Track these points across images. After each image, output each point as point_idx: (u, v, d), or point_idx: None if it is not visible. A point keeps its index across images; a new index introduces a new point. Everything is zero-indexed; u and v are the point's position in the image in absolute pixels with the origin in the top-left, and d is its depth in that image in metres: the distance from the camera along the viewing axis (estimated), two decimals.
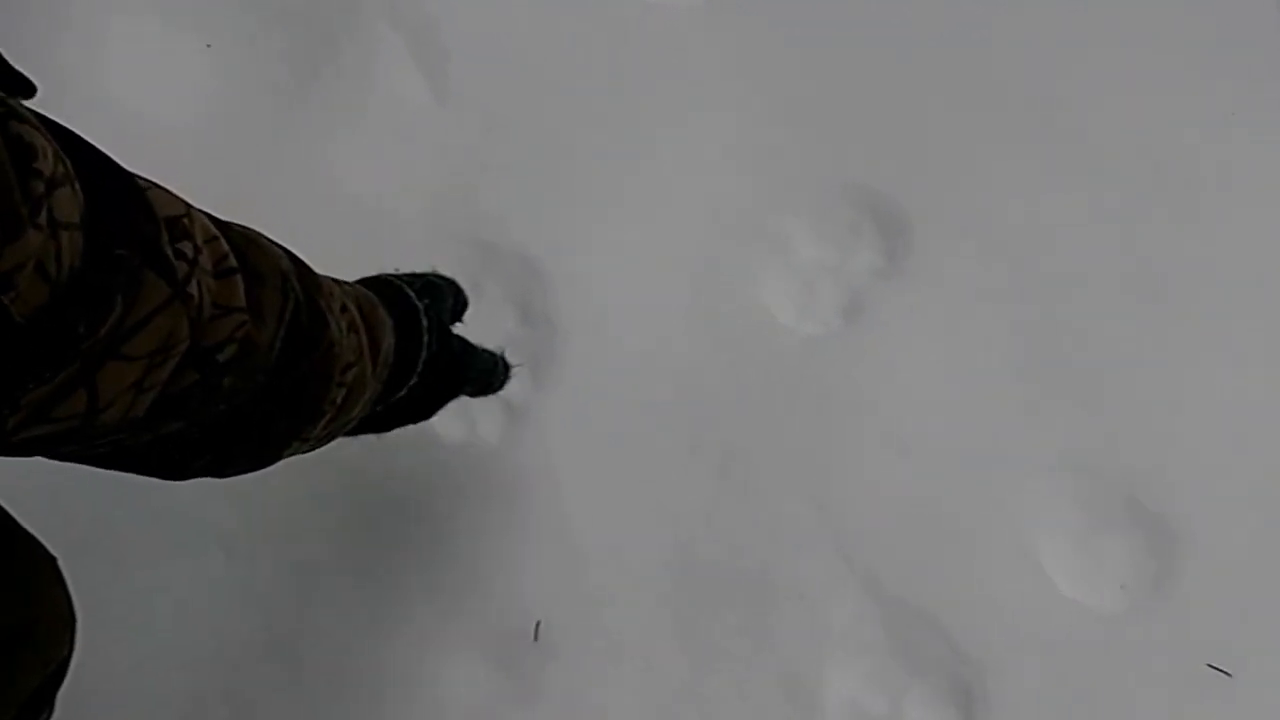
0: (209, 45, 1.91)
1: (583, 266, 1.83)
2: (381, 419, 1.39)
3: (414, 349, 1.32)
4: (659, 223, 1.83)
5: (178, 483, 1.75)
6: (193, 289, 0.82)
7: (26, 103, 0.70)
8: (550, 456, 1.79)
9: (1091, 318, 1.78)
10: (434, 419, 1.75)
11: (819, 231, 1.80)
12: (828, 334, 1.80)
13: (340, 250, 1.82)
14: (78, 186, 0.70)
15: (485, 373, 1.50)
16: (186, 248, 0.83)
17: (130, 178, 0.82)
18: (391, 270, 1.45)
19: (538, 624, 1.75)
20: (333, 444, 1.77)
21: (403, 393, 1.35)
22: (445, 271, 1.52)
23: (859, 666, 1.72)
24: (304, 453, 1.23)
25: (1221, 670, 1.70)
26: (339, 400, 1.13)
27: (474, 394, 1.53)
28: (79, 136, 0.76)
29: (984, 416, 1.77)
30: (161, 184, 0.88)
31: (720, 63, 1.85)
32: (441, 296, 1.44)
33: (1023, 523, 1.75)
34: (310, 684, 1.74)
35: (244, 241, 0.97)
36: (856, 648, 1.73)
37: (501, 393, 1.77)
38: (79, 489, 1.76)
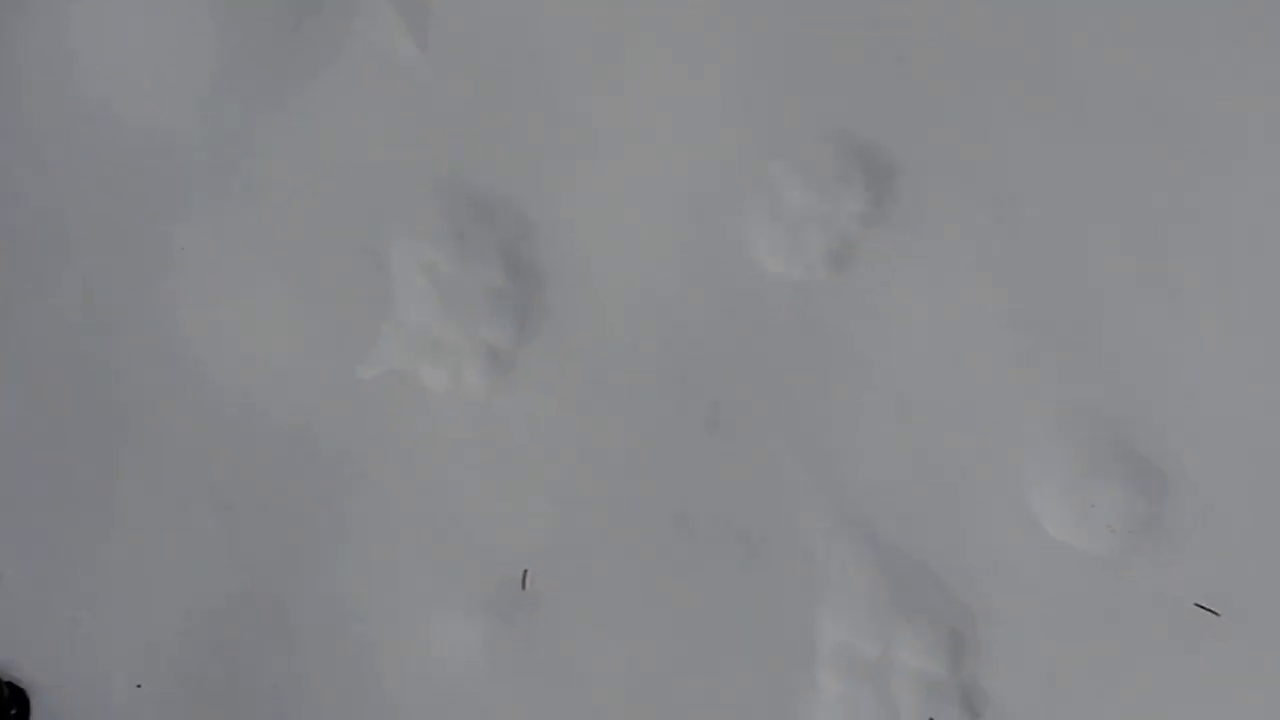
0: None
1: (569, 217, 1.82)
2: None
3: None
4: (646, 173, 1.81)
5: (168, 441, 1.76)
6: None
7: None
8: (538, 406, 1.79)
9: (1083, 266, 1.77)
10: (420, 366, 1.76)
11: (807, 179, 1.78)
12: (816, 281, 1.79)
13: (327, 203, 1.83)
14: None
15: None
16: None
17: None
18: None
19: (525, 573, 1.76)
20: (319, 396, 1.78)
21: None
22: None
23: (851, 612, 1.73)
24: None
25: (1210, 610, 1.70)
26: None
27: None
28: None
29: (974, 363, 1.76)
30: None
31: (707, 10, 1.82)
32: None
33: (1013, 468, 1.75)
34: (300, 636, 1.75)
35: None
36: (848, 594, 1.73)
37: (488, 340, 1.78)
38: (72, 445, 1.77)
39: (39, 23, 1.83)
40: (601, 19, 1.83)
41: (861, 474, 1.75)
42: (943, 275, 1.78)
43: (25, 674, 1.74)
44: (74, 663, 1.75)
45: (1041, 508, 1.74)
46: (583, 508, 1.77)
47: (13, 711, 1.71)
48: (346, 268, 1.81)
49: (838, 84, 1.83)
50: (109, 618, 1.75)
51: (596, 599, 1.74)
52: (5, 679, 1.72)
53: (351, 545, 1.76)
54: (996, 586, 1.73)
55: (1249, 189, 1.79)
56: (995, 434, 1.75)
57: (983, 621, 1.72)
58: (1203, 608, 1.70)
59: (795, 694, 1.71)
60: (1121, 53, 1.81)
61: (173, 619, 1.75)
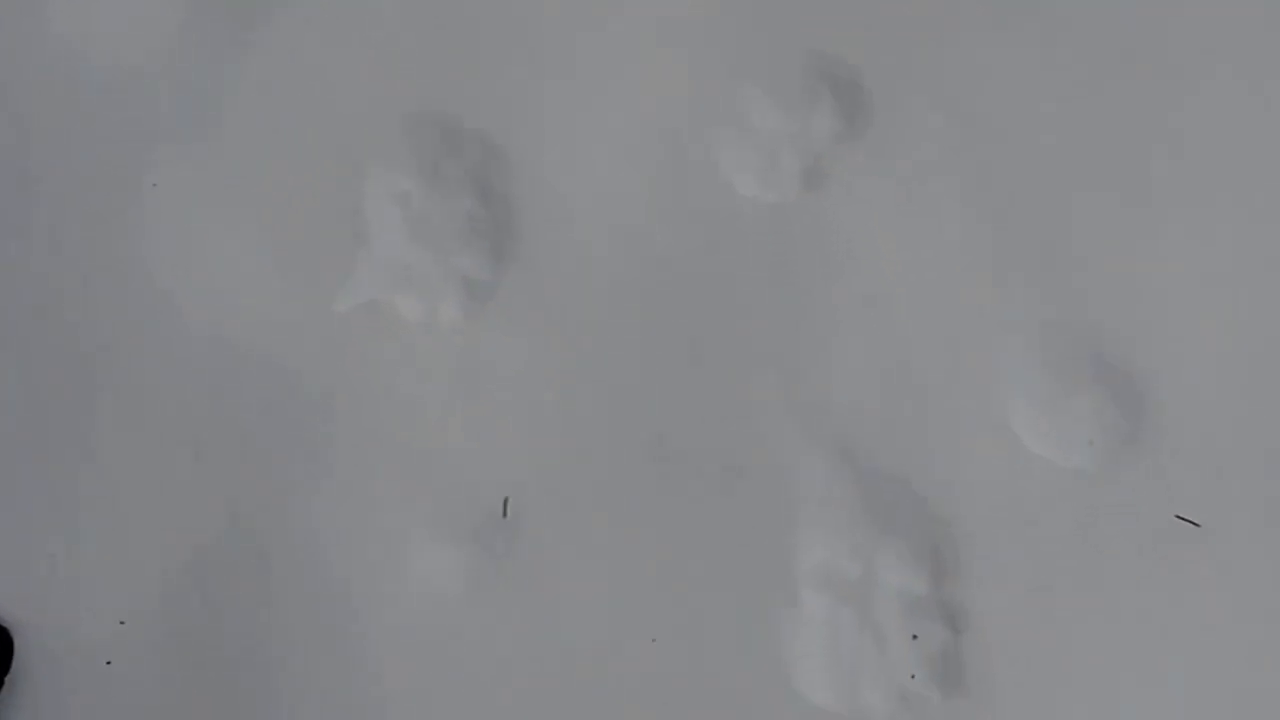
0: None
1: (541, 146, 1.81)
2: None
3: None
4: (617, 99, 1.81)
5: (151, 382, 1.75)
6: None
7: None
8: (514, 335, 1.79)
9: (1058, 181, 1.77)
10: (395, 298, 1.75)
11: (777, 100, 1.78)
12: (790, 202, 1.78)
13: (298, 137, 1.82)
14: None
15: None
16: None
17: None
18: None
19: (506, 500, 1.75)
20: (295, 331, 1.77)
21: None
22: None
23: (831, 532, 1.73)
24: None
25: (1190, 521, 1.70)
26: None
27: None
28: None
29: (951, 280, 1.76)
30: None
31: None
32: None
33: (991, 384, 1.75)
34: (280, 571, 1.74)
35: None
36: (828, 514, 1.73)
37: (463, 270, 1.77)
38: (47, 386, 1.76)
39: None
40: None
41: (839, 394, 1.75)
42: (916, 193, 1.77)
43: (7, 613, 1.74)
44: (56, 602, 1.74)
45: (1020, 423, 1.74)
46: (561, 435, 1.76)
47: None
48: (319, 202, 1.80)
49: (804, 3, 1.82)
50: (90, 558, 1.74)
51: (577, 525, 1.74)
52: None
53: (330, 478, 1.75)
54: (976, 502, 1.72)
55: (1222, 105, 1.78)
56: (973, 351, 1.75)
57: (963, 538, 1.72)
58: (1183, 519, 1.70)
59: (776, 614, 1.71)
60: None
61: (153, 557, 1.74)
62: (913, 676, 1.69)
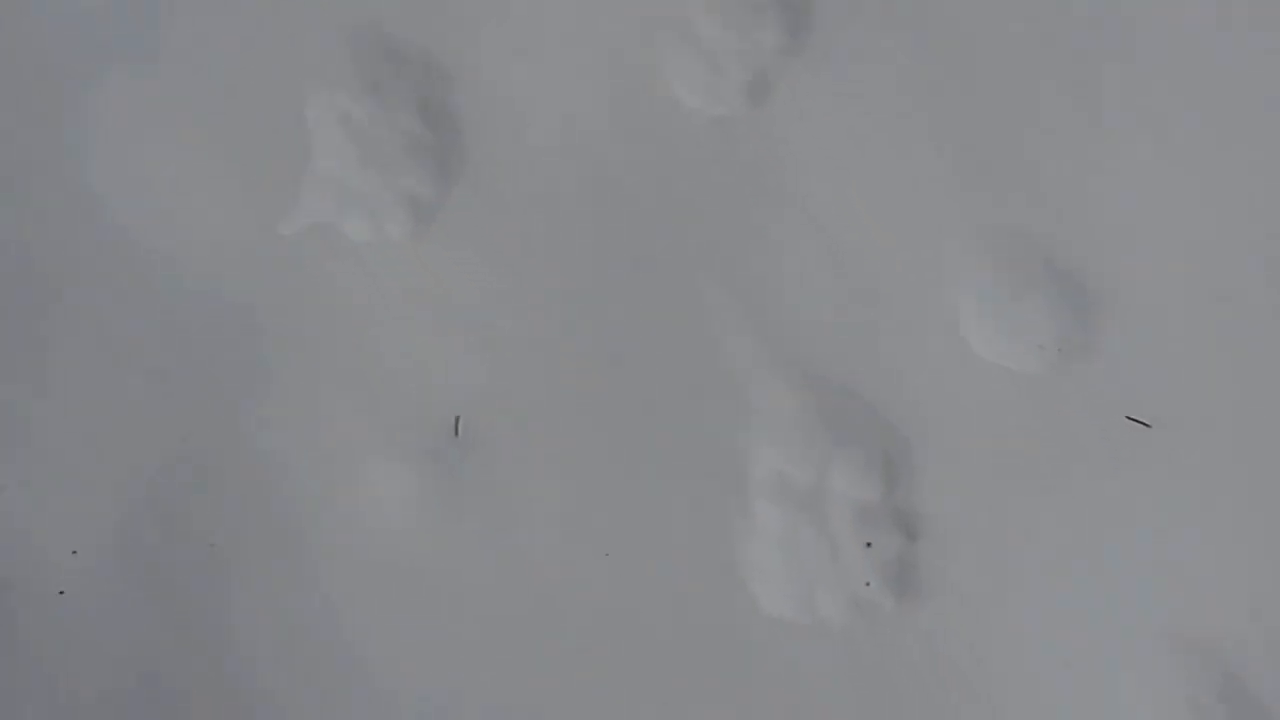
0: None
1: (484, 63, 1.80)
2: None
3: None
4: (561, 15, 1.79)
5: (101, 309, 1.74)
6: None
7: None
8: (462, 252, 1.77)
9: (1006, 84, 1.76)
10: (341, 218, 1.74)
11: (722, 14, 1.77)
12: (736, 116, 1.77)
13: (241, 61, 1.81)
14: None
15: None
16: None
17: None
18: None
19: (458, 419, 1.75)
20: (243, 254, 1.76)
21: None
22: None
23: (784, 442, 1.72)
24: None
25: (1140, 422, 1.70)
26: None
27: None
28: None
29: (899, 187, 1.76)
30: None
31: None
32: None
33: (942, 292, 1.74)
34: (233, 491, 1.73)
35: None
36: (781, 424, 1.73)
37: (408, 190, 1.76)
38: (1, 319, 1.75)
39: None
40: None
41: (789, 303, 1.74)
42: (863, 103, 1.76)
43: None
44: (7, 533, 1.73)
45: (971, 329, 1.73)
46: (512, 351, 1.75)
47: None
48: (263, 125, 1.79)
49: None
50: (41, 487, 1.73)
51: (530, 441, 1.73)
52: None
53: (281, 401, 1.74)
54: (928, 410, 1.72)
55: (1172, 11, 1.78)
56: (922, 258, 1.75)
57: (916, 445, 1.72)
58: (1134, 420, 1.70)
59: (732, 525, 1.71)
60: None
61: (106, 483, 1.73)
62: (868, 584, 1.69)
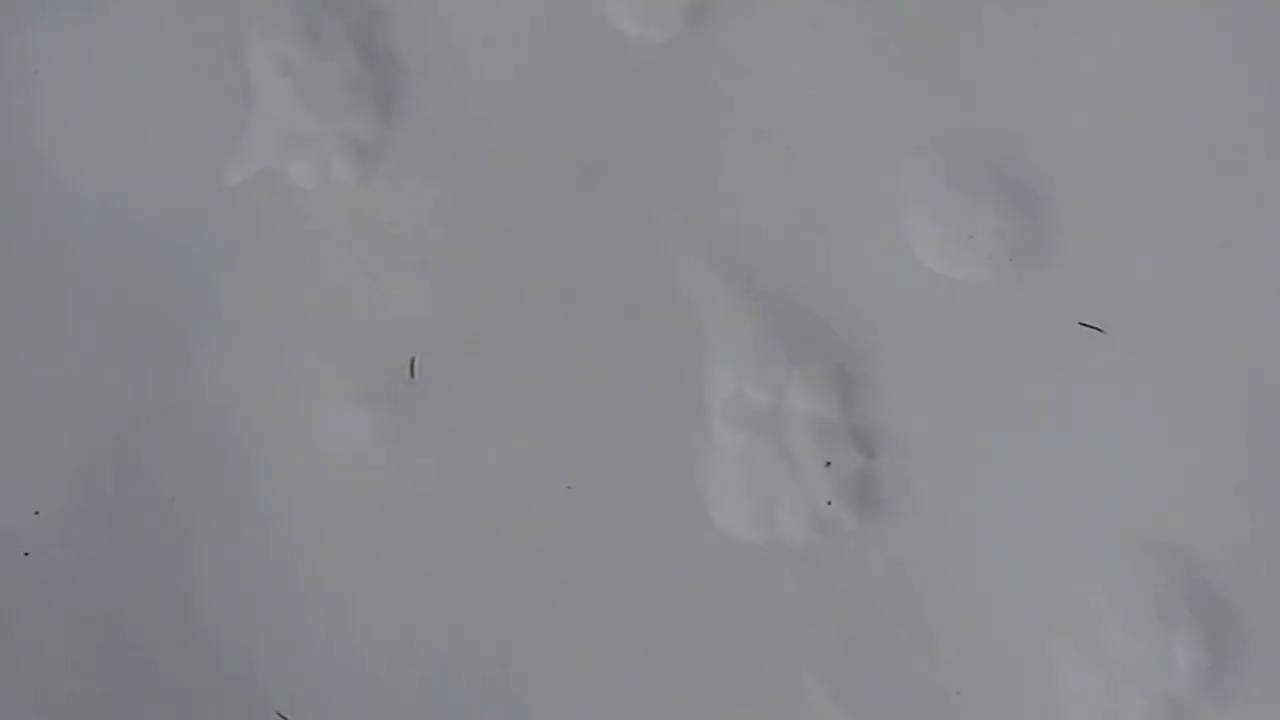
0: None
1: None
2: None
3: None
4: None
5: (45, 263, 1.73)
6: None
7: None
8: (410, 192, 1.77)
9: None
10: (286, 164, 1.73)
11: None
12: (676, 39, 1.77)
13: (178, 7, 1.80)
14: None
15: None
16: None
17: None
18: None
19: (413, 360, 1.74)
20: (190, 203, 1.76)
21: None
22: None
23: (740, 362, 1.72)
24: None
25: (1094, 327, 1.70)
26: None
27: None
28: None
29: (842, 103, 1.75)
30: None
31: None
32: None
33: (888, 204, 1.74)
34: (192, 437, 1.73)
35: None
36: (736, 344, 1.72)
37: (352, 132, 1.75)
38: None
39: None
40: None
41: (738, 222, 1.74)
42: (804, 19, 1.76)
43: None
44: None
45: (920, 241, 1.73)
46: (464, 289, 1.75)
47: None
48: (204, 74, 1.78)
49: None
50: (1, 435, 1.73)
51: (485, 378, 1.73)
52: None
53: (235, 347, 1.74)
54: (881, 324, 1.72)
55: None
56: (868, 171, 1.74)
57: (871, 360, 1.72)
58: (1087, 325, 1.70)
59: (691, 449, 1.71)
60: None
61: (61, 439, 1.73)
62: (829, 503, 1.69)
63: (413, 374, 1.74)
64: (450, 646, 1.68)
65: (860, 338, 1.72)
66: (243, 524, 1.71)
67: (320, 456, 1.72)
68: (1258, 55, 1.74)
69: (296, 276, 1.76)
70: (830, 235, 1.74)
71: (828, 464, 1.69)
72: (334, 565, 1.70)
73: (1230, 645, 1.63)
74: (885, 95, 1.75)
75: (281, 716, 1.66)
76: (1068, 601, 1.65)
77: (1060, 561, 1.66)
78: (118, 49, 1.79)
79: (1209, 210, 1.71)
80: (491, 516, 1.70)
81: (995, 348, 1.70)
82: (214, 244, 1.76)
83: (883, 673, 1.65)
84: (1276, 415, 1.67)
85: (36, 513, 1.72)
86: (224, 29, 1.79)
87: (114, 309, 1.75)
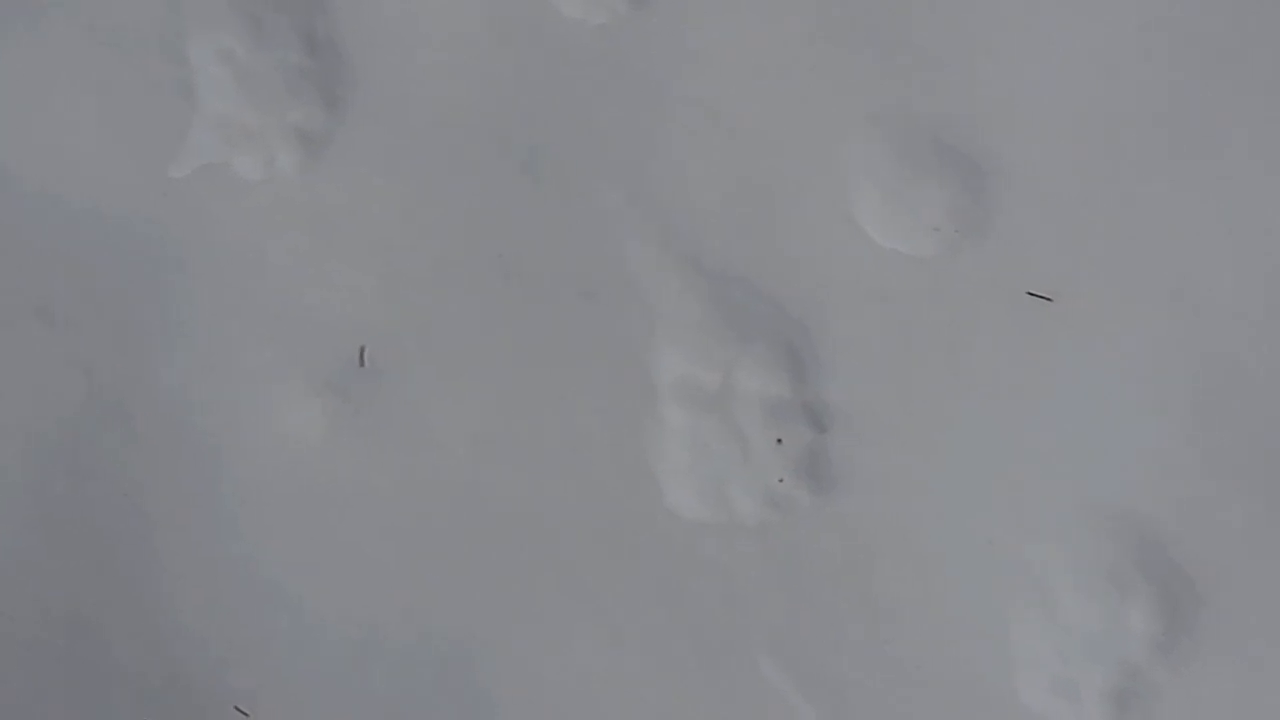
0: None
1: None
2: None
3: None
4: None
5: None
6: None
7: None
8: (355, 182, 1.77)
9: None
10: (231, 157, 1.73)
11: None
12: (619, 21, 1.77)
13: (117, 3, 1.79)
14: None
15: None
16: None
17: None
18: None
19: (363, 349, 1.74)
20: (135, 198, 1.76)
21: None
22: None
23: (688, 343, 1.72)
24: None
25: (1042, 296, 1.70)
26: None
27: None
28: None
29: (787, 80, 1.75)
30: None
31: None
32: None
33: (833, 180, 1.73)
34: (145, 434, 1.74)
35: None
36: (682, 325, 1.72)
37: (296, 123, 1.75)
38: None
39: None
40: None
41: (684, 202, 1.74)
42: None
43: None
44: None
45: (866, 216, 1.73)
46: (413, 277, 1.75)
47: None
48: (146, 67, 1.78)
49: None
50: None
51: (436, 364, 1.74)
52: None
53: (185, 338, 1.75)
54: (829, 300, 1.72)
55: None
56: (813, 148, 1.74)
57: (819, 336, 1.71)
58: (1035, 295, 1.70)
59: (642, 430, 1.71)
60: None
61: (14, 435, 1.74)
62: (781, 480, 1.69)
63: (363, 363, 1.74)
64: (411, 635, 1.68)
65: (808, 314, 1.72)
66: (200, 519, 1.71)
67: (274, 448, 1.72)
68: (1201, 28, 1.73)
69: (244, 269, 1.76)
70: (776, 213, 1.74)
71: (779, 441, 1.69)
72: (292, 557, 1.70)
73: (1184, 610, 1.63)
74: (828, 72, 1.74)
75: (240, 711, 1.66)
76: (1022, 571, 1.65)
77: (1013, 531, 1.66)
78: (60, 46, 1.78)
79: (1153, 179, 1.71)
80: (446, 502, 1.71)
81: (944, 320, 1.70)
82: (161, 239, 1.76)
83: (838, 648, 1.65)
84: (1225, 381, 1.66)
85: None
86: (165, 23, 1.79)
87: (61, 306, 1.76)
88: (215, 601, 1.70)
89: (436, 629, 1.68)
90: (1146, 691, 1.62)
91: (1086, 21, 1.75)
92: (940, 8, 1.74)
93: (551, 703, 1.67)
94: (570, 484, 1.70)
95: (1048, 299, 1.69)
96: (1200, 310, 1.68)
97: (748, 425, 1.70)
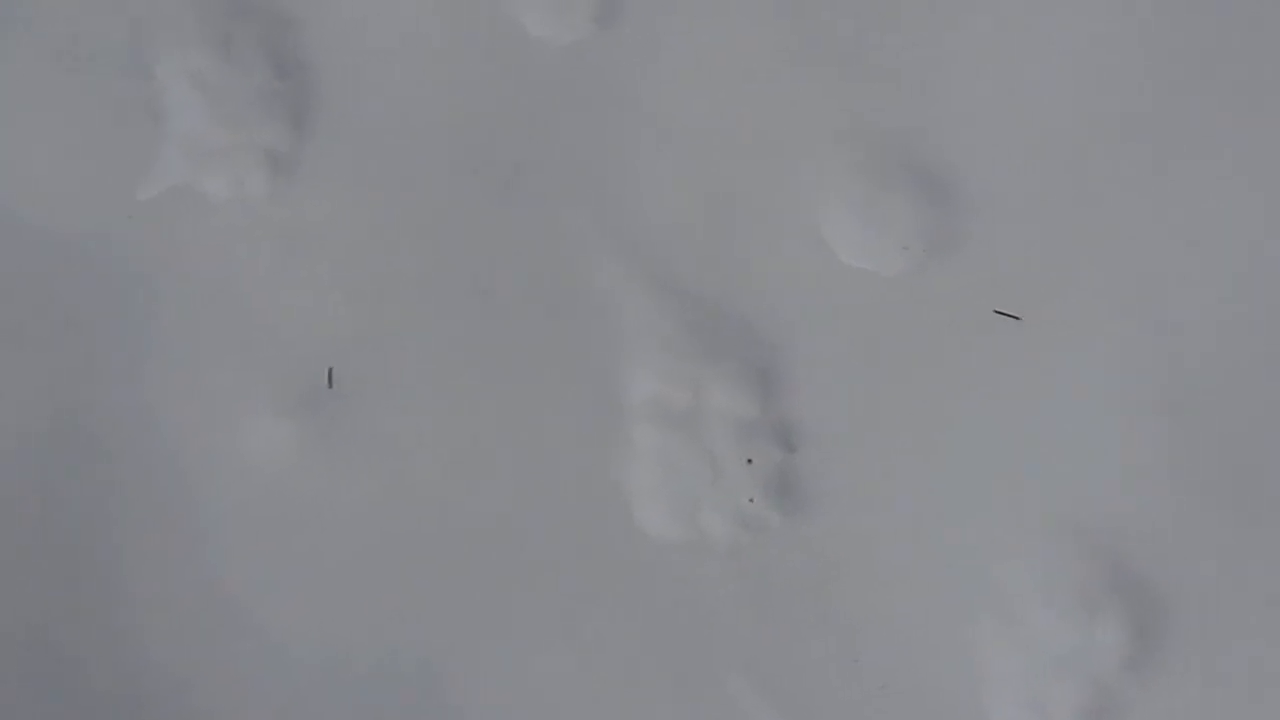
0: None
1: (332, 6, 1.79)
2: None
3: None
4: None
5: None
6: None
7: None
8: (324, 203, 1.77)
9: None
10: (199, 178, 1.73)
11: None
12: (586, 40, 1.77)
13: (85, 24, 1.79)
14: None
15: None
16: None
17: None
18: None
19: (330, 370, 1.74)
20: (104, 219, 1.75)
21: None
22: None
23: (658, 364, 1.72)
24: None
25: (1010, 315, 1.70)
26: None
27: None
28: None
29: (755, 99, 1.75)
30: None
31: None
32: None
33: (800, 199, 1.74)
34: (111, 454, 1.72)
35: None
36: (653, 346, 1.72)
37: (265, 144, 1.75)
38: None
39: None
40: None
41: (652, 222, 1.74)
42: (712, 11, 1.76)
43: None
44: None
45: (835, 234, 1.73)
46: (382, 297, 1.75)
47: None
48: (114, 87, 1.78)
49: None
50: None
51: (405, 385, 1.73)
52: None
53: (153, 359, 1.74)
54: (798, 319, 1.72)
55: None
56: (781, 166, 1.75)
57: (788, 355, 1.72)
58: (1003, 314, 1.70)
59: (611, 450, 1.71)
60: None
61: None
62: (751, 500, 1.69)
63: (331, 384, 1.73)
64: (378, 656, 1.68)
65: (777, 333, 1.72)
66: (166, 540, 1.70)
67: (242, 469, 1.71)
68: (1164, 41, 1.74)
69: (212, 290, 1.75)
70: (744, 231, 1.74)
71: (749, 461, 1.69)
72: (260, 578, 1.69)
73: (1153, 627, 1.63)
74: (795, 90, 1.75)
75: None
76: (991, 589, 1.66)
77: (982, 549, 1.66)
78: (25, 66, 1.78)
79: (1120, 196, 1.72)
80: (414, 523, 1.70)
81: (912, 338, 1.71)
82: (130, 260, 1.76)
83: (809, 668, 1.65)
84: (1193, 398, 1.67)
85: None
86: (132, 43, 1.78)
87: (29, 328, 1.75)
88: (182, 623, 1.68)
89: (404, 649, 1.67)
90: (1116, 708, 1.62)
91: (1052, 39, 1.76)
92: (908, 25, 1.75)
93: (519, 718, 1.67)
94: (540, 504, 1.70)
95: (1015, 317, 1.70)
96: (1167, 327, 1.69)
97: (718, 445, 1.70)
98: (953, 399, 1.69)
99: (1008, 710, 1.63)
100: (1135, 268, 1.70)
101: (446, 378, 1.73)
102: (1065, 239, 1.71)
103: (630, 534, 1.69)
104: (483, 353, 1.73)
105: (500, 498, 1.70)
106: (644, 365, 1.72)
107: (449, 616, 1.68)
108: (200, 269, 1.76)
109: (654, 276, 1.74)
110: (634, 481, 1.70)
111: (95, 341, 1.74)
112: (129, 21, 1.79)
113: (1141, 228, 1.71)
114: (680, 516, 1.69)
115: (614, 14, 1.77)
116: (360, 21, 1.79)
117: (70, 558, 1.69)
